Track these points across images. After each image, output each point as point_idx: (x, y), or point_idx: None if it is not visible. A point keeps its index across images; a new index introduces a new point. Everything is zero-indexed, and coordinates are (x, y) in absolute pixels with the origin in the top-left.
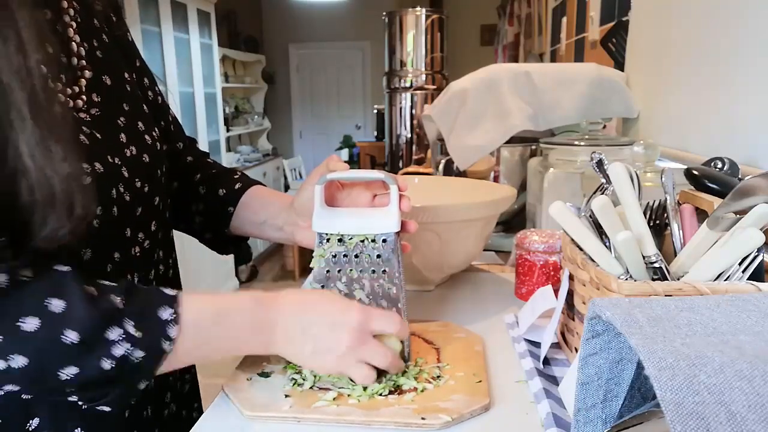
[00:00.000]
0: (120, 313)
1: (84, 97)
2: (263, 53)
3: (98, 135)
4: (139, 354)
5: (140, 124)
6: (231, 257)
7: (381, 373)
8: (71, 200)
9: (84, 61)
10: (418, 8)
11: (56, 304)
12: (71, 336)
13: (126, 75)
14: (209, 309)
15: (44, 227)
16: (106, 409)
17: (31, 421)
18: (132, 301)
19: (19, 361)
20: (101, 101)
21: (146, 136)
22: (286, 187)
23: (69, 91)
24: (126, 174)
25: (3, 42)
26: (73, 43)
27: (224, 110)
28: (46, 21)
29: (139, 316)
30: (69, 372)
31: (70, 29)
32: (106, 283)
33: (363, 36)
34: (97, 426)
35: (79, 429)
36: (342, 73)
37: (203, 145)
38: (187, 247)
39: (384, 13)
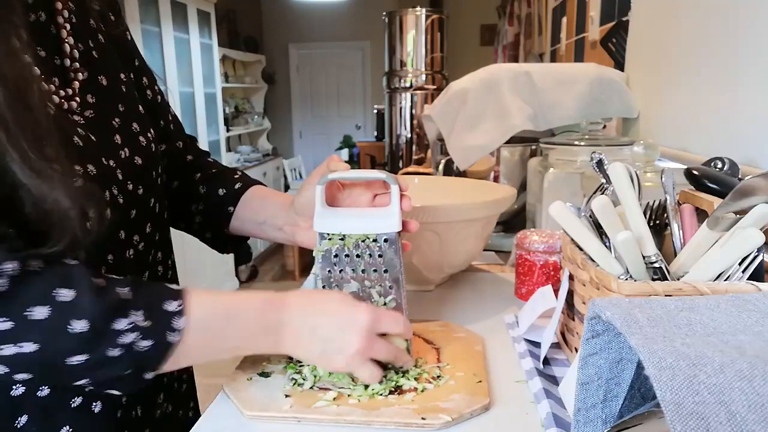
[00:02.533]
0: (127, 303)
1: (78, 98)
2: (263, 53)
3: (92, 137)
4: (146, 344)
5: (135, 125)
6: (231, 257)
7: (383, 367)
8: (83, 211)
9: (78, 63)
10: (418, 8)
11: (65, 294)
12: (80, 325)
13: (122, 75)
14: (219, 307)
15: (60, 239)
16: (116, 392)
17: (19, 419)
18: (139, 293)
19: (28, 347)
20: (96, 102)
21: (140, 138)
22: (286, 187)
23: (63, 93)
24: (120, 176)
25: None
26: (67, 44)
27: (224, 110)
28: (39, 23)
29: (146, 307)
30: (78, 359)
31: (64, 30)
32: (114, 276)
33: (363, 36)
34: (85, 425)
35: (67, 427)
36: (342, 73)
37: (203, 146)
38: (187, 246)
39: (384, 13)
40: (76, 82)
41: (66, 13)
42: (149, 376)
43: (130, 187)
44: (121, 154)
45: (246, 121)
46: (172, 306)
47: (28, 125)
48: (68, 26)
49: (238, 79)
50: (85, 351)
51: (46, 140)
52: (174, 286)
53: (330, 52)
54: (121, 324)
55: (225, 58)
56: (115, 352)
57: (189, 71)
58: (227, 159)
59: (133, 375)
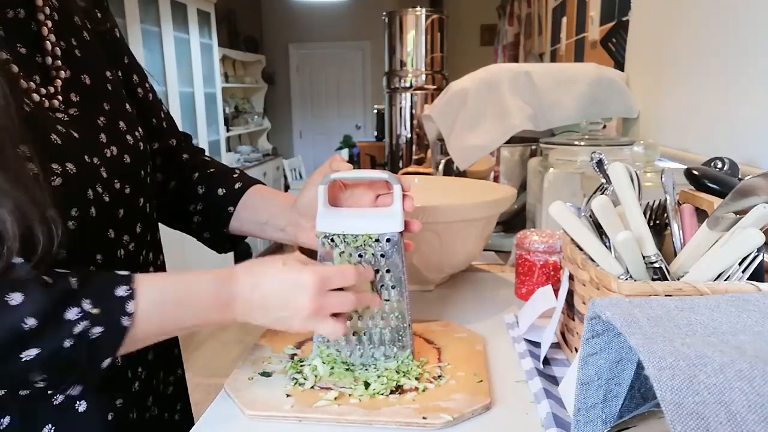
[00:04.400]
0: (75, 293)
1: (60, 96)
2: (263, 53)
3: (75, 134)
4: (97, 330)
5: (122, 123)
6: (231, 257)
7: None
8: (40, 212)
9: (60, 61)
10: (418, 8)
11: (15, 297)
12: (30, 322)
13: (108, 74)
14: (170, 288)
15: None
16: (74, 392)
17: (2, 420)
18: (87, 282)
19: None
20: (80, 101)
21: (128, 137)
22: (286, 187)
23: (44, 90)
24: (105, 174)
25: None
26: (48, 42)
27: (224, 110)
28: (18, 20)
29: (95, 295)
30: (30, 353)
31: (45, 28)
32: (62, 271)
33: (363, 36)
34: (70, 426)
35: (50, 425)
36: (342, 73)
37: (203, 146)
38: (187, 246)
39: (384, 13)
40: (59, 80)
41: (47, 10)
42: (105, 363)
43: (117, 185)
44: (106, 153)
45: (246, 121)
46: (121, 291)
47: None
48: (50, 23)
49: (238, 79)
50: (38, 344)
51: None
52: (123, 272)
53: (330, 52)
54: (71, 314)
55: (225, 58)
56: (68, 343)
57: (189, 71)
58: (227, 159)
59: (89, 364)
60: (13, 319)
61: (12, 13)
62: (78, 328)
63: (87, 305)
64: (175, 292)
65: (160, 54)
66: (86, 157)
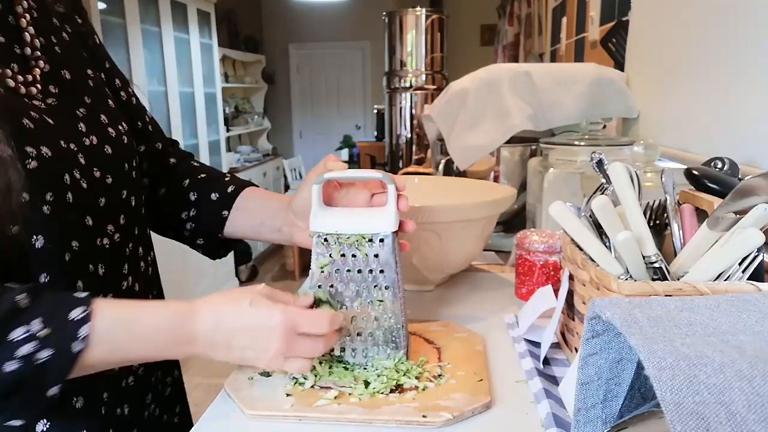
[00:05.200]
0: (24, 312)
1: (39, 86)
2: (263, 53)
3: (50, 120)
4: (45, 354)
5: (103, 117)
6: (231, 257)
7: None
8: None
9: (39, 53)
10: (418, 8)
11: None
12: None
13: (89, 71)
14: (124, 318)
15: None
16: (15, 423)
17: None
18: (39, 301)
19: None
20: (59, 93)
21: (110, 128)
22: (286, 187)
23: (21, 78)
24: (83, 161)
25: None
26: (27, 34)
27: (224, 110)
28: None
29: (46, 316)
30: None
31: (23, 20)
32: (11, 285)
33: (363, 36)
34: (65, 421)
35: (45, 420)
36: (342, 73)
37: (203, 145)
38: (186, 247)
39: (384, 13)
40: (37, 69)
41: (25, 4)
42: (52, 391)
43: (97, 174)
44: (85, 141)
45: (246, 121)
46: (76, 313)
47: None
48: (28, 16)
49: (238, 79)
50: None
51: None
52: (80, 294)
53: (330, 52)
54: (16, 333)
55: (225, 58)
56: (11, 366)
57: (189, 71)
58: (227, 159)
59: (34, 391)
60: None
61: None
62: (23, 351)
63: (35, 325)
64: (128, 321)
65: (160, 54)
66: (62, 142)
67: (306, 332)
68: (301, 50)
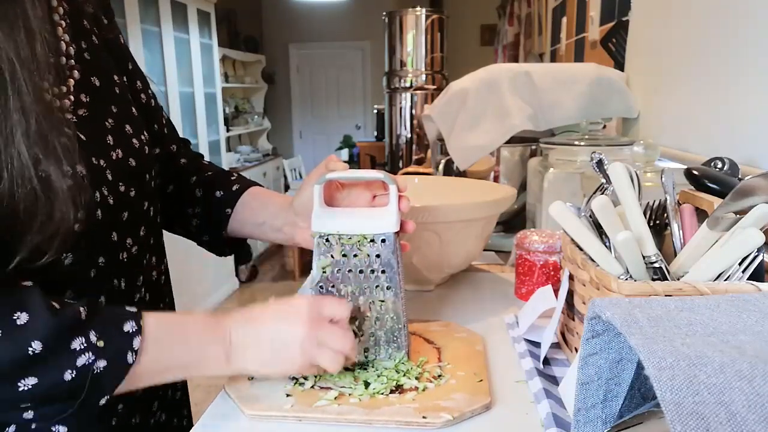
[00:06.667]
0: (83, 323)
1: (72, 97)
2: (263, 53)
3: (83, 136)
4: (101, 364)
5: (128, 127)
6: (231, 257)
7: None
8: (52, 206)
9: (73, 61)
10: (418, 8)
11: (21, 318)
12: (34, 346)
13: (115, 77)
14: (167, 323)
15: (25, 240)
16: (62, 429)
17: (7, 429)
18: (95, 313)
19: None
20: (89, 102)
21: (134, 140)
22: (286, 187)
23: (56, 90)
24: (110, 177)
25: (11, 29)
26: (63, 42)
27: (224, 110)
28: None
29: (102, 327)
30: (28, 383)
31: (60, 28)
32: (67, 301)
33: (363, 36)
34: (77, 427)
35: (58, 426)
36: (342, 73)
37: (203, 145)
38: (188, 247)
39: (384, 13)
40: (71, 80)
41: (61, 11)
42: (103, 400)
43: (122, 188)
44: (112, 155)
45: (246, 121)
46: (128, 326)
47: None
48: (64, 24)
49: (238, 79)
50: (38, 373)
51: (48, 134)
52: (130, 308)
53: (330, 52)
54: (76, 343)
55: (225, 58)
56: (70, 375)
57: (189, 71)
58: (227, 159)
59: (87, 400)
60: (20, 340)
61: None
62: (81, 360)
63: (92, 337)
64: (173, 324)
65: (160, 54)
66: (93, 159)
67: (330, 314)
68: (301, 50)
